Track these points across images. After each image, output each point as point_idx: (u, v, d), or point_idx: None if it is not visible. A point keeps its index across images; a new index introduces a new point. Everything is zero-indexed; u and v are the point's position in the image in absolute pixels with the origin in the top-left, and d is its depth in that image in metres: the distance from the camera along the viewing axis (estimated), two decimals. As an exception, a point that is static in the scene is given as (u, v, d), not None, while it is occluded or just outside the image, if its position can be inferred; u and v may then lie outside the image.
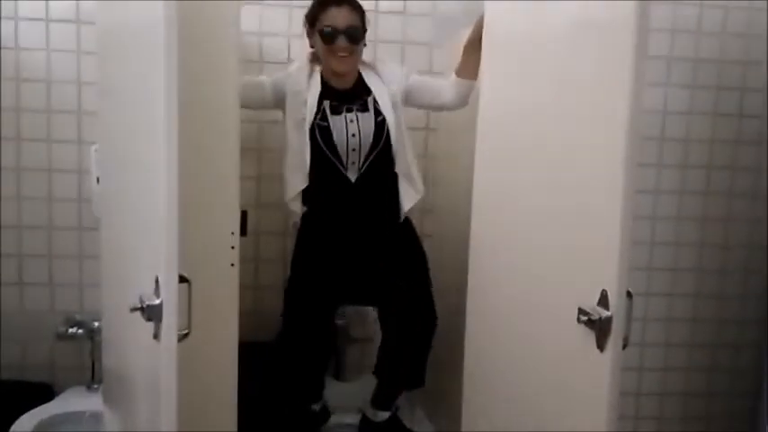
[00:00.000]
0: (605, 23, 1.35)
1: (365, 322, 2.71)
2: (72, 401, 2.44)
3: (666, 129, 2.63)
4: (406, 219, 2.39)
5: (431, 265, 2.45)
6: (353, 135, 2.26)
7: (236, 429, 1.97)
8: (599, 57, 1.37)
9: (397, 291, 2.35)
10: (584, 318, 1.35)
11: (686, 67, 2.62)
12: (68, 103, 2.55)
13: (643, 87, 1.26)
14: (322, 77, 2.30)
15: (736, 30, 2.61)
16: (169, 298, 1.37)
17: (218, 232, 1.89)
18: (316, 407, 2.53)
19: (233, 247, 1.92)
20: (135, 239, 1.62)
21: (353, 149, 2.27)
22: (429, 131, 2.79)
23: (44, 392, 2.55)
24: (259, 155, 2.68)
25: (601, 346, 1.32)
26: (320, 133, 2.25)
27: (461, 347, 2.03)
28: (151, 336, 1.41)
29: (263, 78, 2.34)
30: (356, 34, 2.24)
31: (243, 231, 2.01)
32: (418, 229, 2.46)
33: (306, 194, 2.31)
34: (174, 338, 1.39)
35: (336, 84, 2.31)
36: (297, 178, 2.28)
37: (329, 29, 2.21)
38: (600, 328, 1.32)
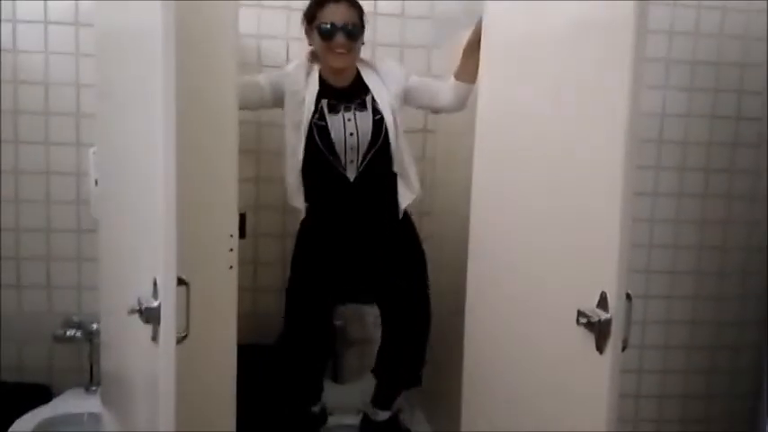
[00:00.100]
0: (604, 24, 1.35)
1: (363, 324, 2.71)
2: (70, 403, 2.44)
3: (665, 131, 2.63)
4: (406, 216, 2.39)
5: (430, 266, 2.45)
6: (351, 134, 2.26)
7: (234, 431, 1.97)
8: (598, 58, 1.37)
9: (395, 289, 2.36)
10: (583, 320, 1.35)
11: (684, 69, 2.62)
12: (67, 106, 2.55)
13: (642, 88, 1.26)
14: (320, 76, 2.29)
15: (734, 32, 2.61)
16: (167, 300, 1.37)
17: (217, 234, 1.89)
18: (315, 408, 2.53)
19: (231, 250, 1.91)
20: (133, 241, 1.62)
21: (351, 148, 2.26)
22: (427, 133, 2.79)
23: (42, 394, 2.55)
24: (258, 157, 2.68)
25: (600, 348, 1.32)
26: (318, 132, 2.25)
27: (461, 349, 2.02)
28: (149, 338, 1.41)
29: (261, 78, 2.33)
30: (354, 31, 2.23)
31: (241, 233, 2.01)
32: (418, 232, 2.46)
33: (306, 193, 2.31)
34: (173, 341, 1.39)
35: (335, 82, 2.30)
36: (293, 177, 2.29)
37: (327, 25, 2.21)
38: (599, 331, 1.32)
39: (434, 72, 2.67)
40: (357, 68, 2.33)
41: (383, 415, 2.52)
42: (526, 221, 1.68)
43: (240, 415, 1.97)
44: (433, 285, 2.45)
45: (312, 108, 2.25)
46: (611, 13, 1.31)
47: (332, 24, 2.21)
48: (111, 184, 1.91)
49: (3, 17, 2.49)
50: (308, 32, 2.30)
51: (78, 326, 2.55)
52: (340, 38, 2.21)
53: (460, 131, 2.32)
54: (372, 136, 2.27)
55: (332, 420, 2.60)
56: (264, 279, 2.74)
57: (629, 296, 1.31)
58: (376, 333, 2.52)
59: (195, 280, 1.49)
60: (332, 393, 2.64)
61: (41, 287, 2.61)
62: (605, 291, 1.31)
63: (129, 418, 1.75)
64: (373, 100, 2.29)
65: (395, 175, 2.32)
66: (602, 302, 1.32)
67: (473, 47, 2.12)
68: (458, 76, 2.26)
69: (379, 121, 2.27)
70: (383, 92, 2.30)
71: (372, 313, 2.49)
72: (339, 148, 2.26)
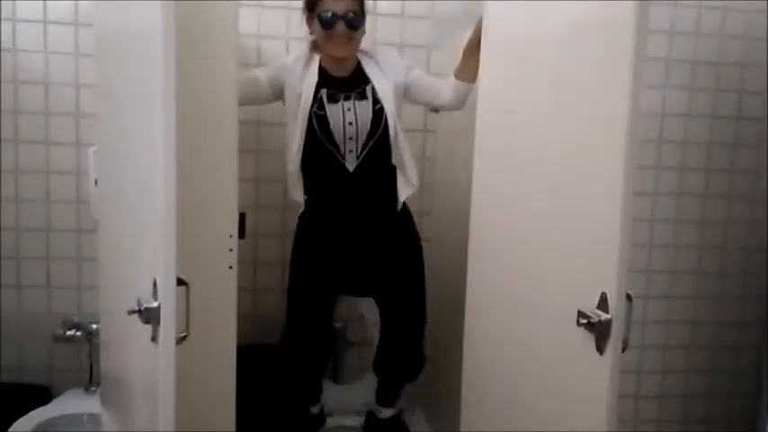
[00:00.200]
0: (605, 24, 1.34)
1: (363, 325, 2.71)
2: (70, 404, 2.44)
3: (665, 131, 2.63)
4: (405, 210, 2.38)
5: (430, 266, 2.45)
6: (350, 123, 2.25)
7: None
8: (598, 58, 1.37)
9: (390, 283, 2.36)
10: (583, 321, 1.35)
11: (685, 69, 2.62)
12: (66, 106, 2.55)
13: (642, 88, 1.26)
14: (321, 66, 2.29)
15: (734, 32, 2.61)
16: (167, 300, 1.37)
17: (217, 234, 1.89)
18: (314, 409, 2.53)
19: (231, 250, 1.91)
20: (133, 241, 1.62)
21: (350, 138, 2.25)
22: (427, 133, 2.79)
23: (42, 395, 2.55)
24: (257, 157, 2.68)
25: (600, 348, 1.32)
26: (317, 122, 2.24)
27: (460, 349, 2.02)
28: (149, 338, 1.41)
29: (260, 72, 2.32)
30: (355, 20, 2.22)
31: (241, 234, 2.00)
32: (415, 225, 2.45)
33: (305, 184, 2.31)
34: (173, 341, 1.38)
35: (335, 71, 2.30)
36: (293, 168, 2.29)
37: (328, 14, 2.20)
38: (599, 331, 1.31)
39: (434, 71, 2.67)
40: (358, 59, 2.32)
41: (387, 412, 2.54)
42: (526, 221, 1.68)
43: (240, 415, 1.96)
44: (433, 285, 2.45)
45: (311, 98, 2.24)
46: (611, 13, 1.31)
47: (332, 13, 2.19)
48: (110, 184, 1.91)
49: (3, 17, 2.48)
50: (309, 21, 2.28)
51: (78, 326, 2.55)
52: (340, 27, 2.20)
53: (460, 131, 2.32)
54: (372, 126, 2.26)
55: (331, 421, 2.60)
56: (264, 279, 2.74)
57: (629, 297, 1.31)
58: (376, 334, 2.52)
59: (195, 280, 1.49)
60: (331, 394, 2.64)
61: (41, 287, 2.61)
62: (605, 291, 1.31)
63: (129, 419, 1.75)
64: (374, 90, 2.28)
65: (394, 168, 2.32)
66: (603, 303, 1.31)
67: (473, 47, 2.11)
68: (458, 76, 2.26)
69: (378, 111, 2.26)
70: (384, 82, 2.29)
71: (373, 312, 2.48)
72: (338, 137, 2.25)
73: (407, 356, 2.44)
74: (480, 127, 1.95)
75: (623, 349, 1.31)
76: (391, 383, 2.53)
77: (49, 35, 2.53)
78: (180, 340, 1.44)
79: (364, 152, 2.27)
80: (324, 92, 2.26)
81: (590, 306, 1.34)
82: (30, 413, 2.33)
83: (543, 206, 1.58)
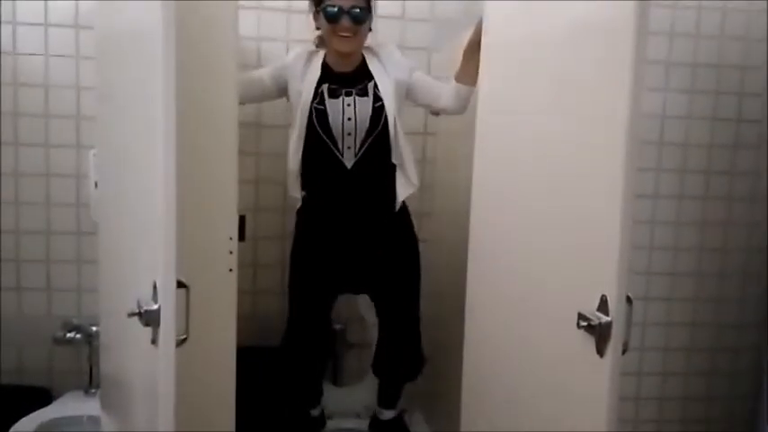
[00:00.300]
0: (605, 26, 1.34)
1: (363, 327, 2.71)
2: (70, 406, 2.44)
3: (665, 133, 2.63)
4: (404, 210, 2.38)
5: (430, 267, 2.45)
6: (349, 119, 2.25)
7: (234, 434, 1.97)
8: (598, 59, 1.37)
9: (385, 283, 2.36)
10: (583, 323, 1.34)
11: (685, 71, 2.62)
12: (67, 108, 2.55)
13: (642, 90, 1.26)
14: (325, 62, 2.29)
15: (734, 33, 2.61)
16: (167, 303, 1.37)
17: (217, 237, 1.89)
18: (314, 412, 2.53)
19: (231, 252, 1.91)
20: (133, 244, 1.62)
21: (349, 133, 2.25)
22: (427, 136, 2.79)
23: (42, 397, 2.54)
24: (257, 159, 2.68)
25: (600, 351, 1.32)
26: (317, 116, 2.24)
27: (460, 351, 2.02)
28: (149, 341, 1.40)
29: (263, 71, 2.34)
30: (360, 15, 2.21)
31: (241, 236, 2.00)
32: (417, 233, 2.45)
33: (304, 180, 2.31)
34: (172, 343, 1.38)
35: (339, 67, 2.29)
36: (294, 164, 2.29)
37: (333, 8, 2.19)
38: (599, 334, 1.31)
39: (435, 74, 2.66)
40: (363, 55, 2.32)
41: (388, 414, 2.54)
42: (526, 223, 1.67)
43: (240, 418, 1.96)
44: (433, 286, 2.45)
45: (312, 93, 2.24)
46: (611, 15, 1.31)
47: (338, 8, 2.19)
48: (110, 187, 1.91)
49: (3, 19, 2.49)
50: (315, 16, 2.28)
51: (78, 328, 2.55)
52: (345, 21, 2.20)
53: (461, 132, 2.32)
54: (371, 122, 2.25)
55: (331, 424, 2.60)
56: (264, 281, 2.74)
57: (629, 299, 1.31)
58: (376, 336, 2.51)
59: (195, 283, 1.49)
60: (331, 396, 2.64)
61: (41, 289, 2.60)
62: (605, 293, 1.31)
63: (129, 421, 1.75)
64: (375, 87, 2.28)
65: (393, 167, 2.31)
66: (603, 305, 1.31)
67: (473, 48, 2.11)
68: (458, 78, 2.25)
69: (379, 108, 2.26)
70: (386, 80, 2.29)
71: (373, 313, 2.48)
72: (336, 132, 2.24)
73: (405, 356, 2.44)
74: (480, 127, 1.95)
75: (623, 352, 1.31)
76: (391, 384, 2.53)
77: (50, 38, 2.53)
78: (180, 343, 1.43)
79: (363, 149, 2.26)
80: (325, 87, 2.26)
81: (590, 308, 1.34)
82: (30, 415, 2.33)
83: (543, 207, 1.58)
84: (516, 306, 1.72)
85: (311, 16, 2.30)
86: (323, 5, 2.22)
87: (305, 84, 2.26)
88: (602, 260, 1.31)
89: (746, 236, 2.71)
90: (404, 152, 2.30)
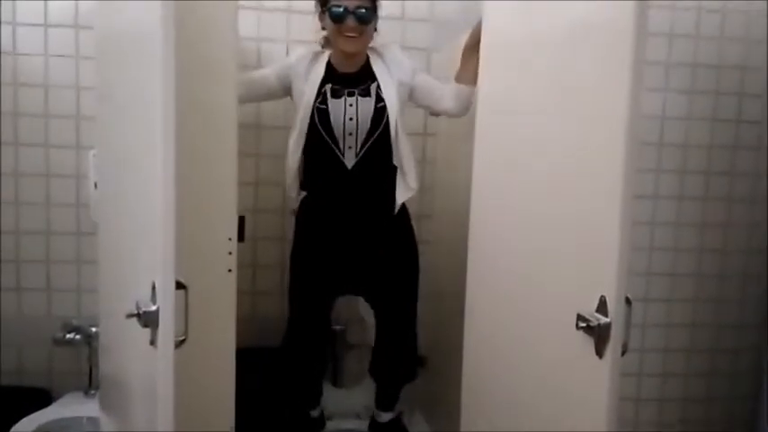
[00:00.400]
0: (604, 26, 1.34)
1: (363, 328, 2.71)
2: (69, 407, 2.44)
3: (665, 134, 2.63)
4: (403, 212, 2.38)
5: (430, 268, 2.44)
6: (351, 119, 2.25)
7: (233, 435, 1.97)
8: (598, 60, 1.37)
9: (382, 284, 2.36)
10: (582, 324, 1.34)
11: (684, 72, 2.62)
12: (66, 108, 2.55)
13: (642, 90, 1.26)
14: (329, 62, 2.30)
15: (734, 34, 2.61)
16: (166, 304, 1.36)
17: (216, 238, 1.89)
18: (313, 413, 2.53)
19: (230, 253, 1.91)
20: (132, 244, 1.62)
21: (350, 134, 2.25)
22: (427, 136, 2.79)
23: (41, 398, 2.54)
24: (257, 160, 2.68)
25: (600, 352, 1.31)
26: (319, 116, 2.25)
27: (460, 352, 2.02)
28: (148, 342, 1.40)
29: (267, 70, 2.35)
30: (366, 15, 2.21)
31: (240, 237, 2.00)
32: (417, 235, 2.45)
33: (304, 179, 2.32)
34: (171, 344, 1.38)
35: (343, 67, 2.30)
36: (293, 163, 2.29)
37: (339, 9, 2.19)
38: (599, 335, 1.31)
39: (435, 74, 2.66)
40: (367, 56, 2.32)
41: (386, 416, 2.54)
42: (526, 224, 1.67)
43: (239, 419, 1.96)
44: (432, 287, 2.45)
45: (314, 92, 2.25)
46: (611, 15, 1.31)
47: (344, 8, 2.19)
48: (110, 187, 1.91)
49: (3, 19, 2.48)
50: (321, 16, 2.28)
51: (77, 329, 2.54)
52: (351, 21, 2.20)
53: (460, 133, 2.32)
54: (373, 123, 2.26)
55: (330, 425, 2.60)
56: (263, 282, 2.74)
57: (628, 300, 1.30)
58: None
59: (194, 283, 1.49)
60: (331, 397, 2.64)
61: (41, 290, 2.60)
62: (605, 295, 1.30)
63: (128, 422, 1.75)
64: (378, 88, 2.28)
65: (394, 169, 2.31)
66: (602, 307, 1.31)
67: (473, 48, 2.11)
68: (458, 79, 2.25)
69: (381, 109, 2.26)
70: (389, 81, 2.29)
71: (372, 315, 2.48)
72: (338, 132, 2.25)
73: (402, 358, 2.44)
74: (480, 128, 1.95)
75: (623, 353, 1.31)
76: (388, 386, 2.52)
77: (50, 38, 2.53)
78: (179, 344, 1.43)
79: (364, 150, 2.27)
80: (328, 87, 2.26)
81: (589, 309, 1.33)
82: (29, 416, 2.33)
83: (543, 208, 1.58)
84: (516, 307, 1.71)
85: (317, 17, 2.30)
86: (329, 6, 2.22)
87: (308, 84, 2.26)
88: (602, 261, 1.31)
89: (746, 237, 2.71)
90: (404, 154, 2.30)
